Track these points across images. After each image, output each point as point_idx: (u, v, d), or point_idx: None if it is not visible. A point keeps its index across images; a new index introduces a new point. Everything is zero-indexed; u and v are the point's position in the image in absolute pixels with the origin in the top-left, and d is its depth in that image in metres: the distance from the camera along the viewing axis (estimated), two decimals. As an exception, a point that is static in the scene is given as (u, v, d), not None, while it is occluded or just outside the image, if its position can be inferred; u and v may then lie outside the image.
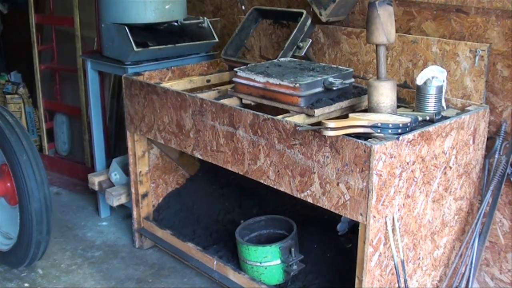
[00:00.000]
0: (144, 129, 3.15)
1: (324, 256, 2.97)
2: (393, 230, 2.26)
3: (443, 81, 2.52)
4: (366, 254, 2.22)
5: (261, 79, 2.68)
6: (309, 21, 3.07)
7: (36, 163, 3.03)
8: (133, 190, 3.38)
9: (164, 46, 3.36)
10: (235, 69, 2.81)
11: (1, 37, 5.65)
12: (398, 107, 2.54)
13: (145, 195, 3.40)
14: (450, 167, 2.47)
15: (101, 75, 3.79)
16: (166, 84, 3.10)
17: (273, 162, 2.47)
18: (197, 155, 2.86)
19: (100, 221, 3.85)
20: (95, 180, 3.63)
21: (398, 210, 2.27)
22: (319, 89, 2.58)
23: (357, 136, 2.19)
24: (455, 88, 2.68)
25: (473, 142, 2.56)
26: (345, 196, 2.23)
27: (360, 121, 2.20)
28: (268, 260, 2.79)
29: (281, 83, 2.59)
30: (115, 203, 3.50)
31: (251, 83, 2.73)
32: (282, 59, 2.99)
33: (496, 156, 2.61)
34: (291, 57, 3.03)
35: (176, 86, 3.12)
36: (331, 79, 2.58)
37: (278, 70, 2.76)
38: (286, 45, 3.05)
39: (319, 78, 2.59)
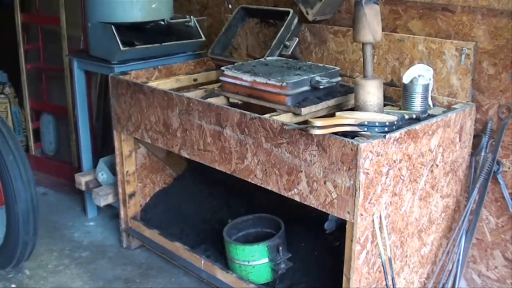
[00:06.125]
0: (131, 128, 3.14)
1: (312, 255, 2.97)
2: (380, 228, 2.27)
3: (430, 79, 2.53)
4: (353, 252, 2.22)
5: (248, 78, 2.67)
6: (295, 20, 3.07)
7: (22, 163, 3.01)
8: (120, 190, 3.37)
9: (150, 45, 3.35)
10: (222, 68, 2.81)
11: (-14, 37, 5.60)
12: (384, 105, 2.54)
13: (132, 195, 3.39)
14: (437, 165, 2.48)
15: (87, 74, 3.76)
16: (153, 83, 3.09)
17: (260, 161, 2.47)
18: (184, 154, 2.86)
19: (87, 221, 3.83)
20: (82, 180, 3.61)
21: (385, 208, 2.28)
22: (306, 88, 2.58)
23: (344, 134, 2.19)
24: (441, 86, 2.69)
25: (460, 140, 2.57)
26: (332, 194, 2.23)
27: (346, 119, 2.20)
28: (256, 259, 2.79)
29: (268, 82, 2.59)
30: (102, 203, 3.49)
31: (238, 82, 2.72)
32: (269, 58, 2.99)
33: (482, 154, 2.63)
34: (278, 56, 3.03)
35: (163, 85, 3.11)
36: (318, 78, 2.58)
37: (265, 69, 2.76)
38: (273, 44, 3.04)
39: (306, 77, 2.59)
